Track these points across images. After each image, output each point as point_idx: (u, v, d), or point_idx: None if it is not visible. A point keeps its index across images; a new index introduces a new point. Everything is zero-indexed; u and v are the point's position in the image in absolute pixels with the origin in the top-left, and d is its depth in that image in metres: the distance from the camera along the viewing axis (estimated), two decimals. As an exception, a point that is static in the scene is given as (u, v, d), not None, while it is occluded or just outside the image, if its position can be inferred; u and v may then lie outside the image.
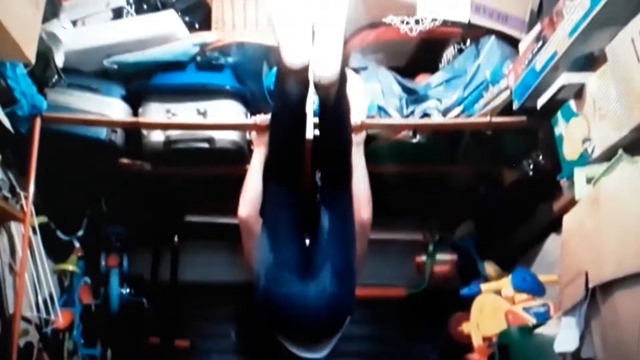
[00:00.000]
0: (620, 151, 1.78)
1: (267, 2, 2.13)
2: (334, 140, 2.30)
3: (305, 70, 2.06)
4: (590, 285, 1.70)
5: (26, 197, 2.35)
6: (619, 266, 1.57)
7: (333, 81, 2.04)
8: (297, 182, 2.34)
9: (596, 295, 1.66)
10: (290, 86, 2.14)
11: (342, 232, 2.28)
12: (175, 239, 3.44)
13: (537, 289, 2.45)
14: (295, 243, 2.26)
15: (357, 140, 2.44)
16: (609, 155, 1.87)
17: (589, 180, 1.92)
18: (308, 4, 2.07)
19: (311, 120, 2.37)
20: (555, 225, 2.24)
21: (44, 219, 2.64)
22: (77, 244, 2.97)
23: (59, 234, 2.87)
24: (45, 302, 2.54)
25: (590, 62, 2.00)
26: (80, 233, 2.97)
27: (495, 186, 2.84)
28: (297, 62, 2.04)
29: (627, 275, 1.54)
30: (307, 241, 2.32)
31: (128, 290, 3.20)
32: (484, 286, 2.66)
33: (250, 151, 2.50)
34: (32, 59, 1.92)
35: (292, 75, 2.08)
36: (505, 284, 2.54)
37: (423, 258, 3.26)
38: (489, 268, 2.98)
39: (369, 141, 2.53)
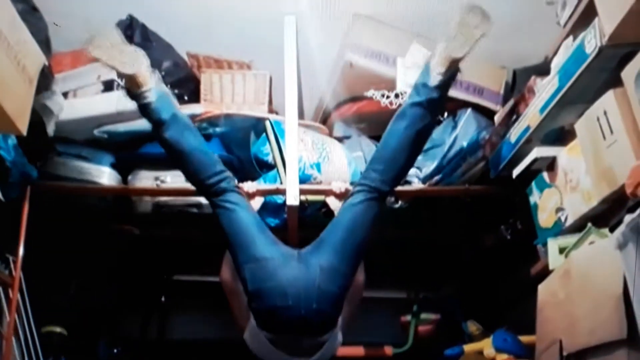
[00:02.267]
0: (589, 224, 1.86)
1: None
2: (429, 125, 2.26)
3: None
4: (565, 353, 1.77)
5: (15, 262, 2.38)
6: (591, 335, 1.64)
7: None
8: (225, 176, 2.31)
9: (570, 363, 1.72)
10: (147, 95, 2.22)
11: (353, 231, 2.22)
12: (163, 298, 3.46)
13: (517, 350, 2.48)
14: (273, 243, 2.23)
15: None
16: (581, 224, 1.95)
17: (561, 251, 2.00)
18: None
19: (297, 186, 2.45)
20: (533, 287, 2.30)
21: (32, 281, 2.67)
22: (65, 306, 2.98)
23: (48, 295, 2.88)
24: (31, 365, 2.54)
25: (561, 136, 2.11)
26: (68, 294, 2.99)
27: (475, 249, 2.91)
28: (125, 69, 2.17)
29: (598, 344, 1.61)
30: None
31: (116, 350, 3.21)
32: (466, 347, 2.69)
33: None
34: (24, 132, 1.97)
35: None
36: (487, 344, 2.58)
37: (408, 317, 3.29)
38: (472, 327, 3.02)
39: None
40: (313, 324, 2.15)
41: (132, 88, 2.23)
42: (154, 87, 2.24)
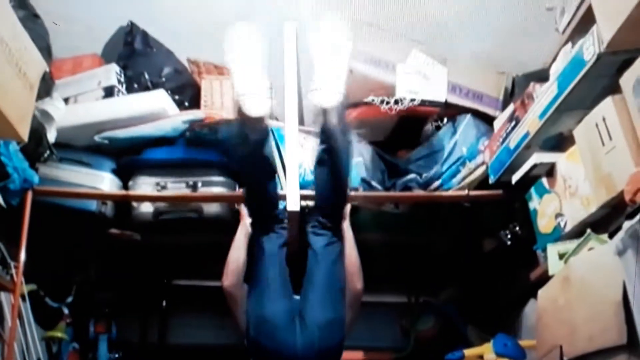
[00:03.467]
0: (588, 231, 1.87)
1: (225, 52, 2.25)
2: (337, 166, 2.37)
3: (262, 119, 2.25)
4: (565, 359, 1.76)
5: (17, 268, 2.38)
6: (591, 341, 1.64)
7: (335, 105, 2.23)
8: (278, 225, 2.43)
9: (570, 369, 1.72)
10: (252, 133, 2.27)
11: (332, 283, 2.33)
12: (164, 303, 3.46)
13: (518, 354, 2.48)
14: (284, 297, 2.30)
15: (344, 212, 2.51)
16: (580, 230, 1.96)
17: (561, 257, 2.01)
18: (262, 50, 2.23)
19: (298, 191, 2.46)
20: (533, 292, 2.30)
21: (33, 286, 2.68)
22: (65, 311, 2.99)
23: (48, 301, 2.89)
24: (33, 369, 2.55)
25: (560, 142, 2.11)
26: (69, 300, 2.99)
27: (475, 254, 2.91)
28: (256, 112, 2.21)
29: (598, 350, 1.61)
30: (296, 296, 2.36)
31: (117, 355, 3.21)
32: (467, 351, 2.69)
33: (237, 220, 2.56)
34: (25, 138, 1.97)
35: (253, 122, 2.24)
36: (487, 349, 2.58)
37: (408, 322, 3.30)
38: (472, 332, 3.03)
39: (354, 212, 2.59)
40: None
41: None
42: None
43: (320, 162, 2.40)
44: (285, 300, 2.30)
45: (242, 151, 2.34)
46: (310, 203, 2.59)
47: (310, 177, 2.59)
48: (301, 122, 2.75)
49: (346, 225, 2.50)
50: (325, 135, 2.34)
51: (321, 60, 2.22)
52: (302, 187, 2.50)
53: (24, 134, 1.96)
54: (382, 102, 2.57)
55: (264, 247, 2.36)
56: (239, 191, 2.57)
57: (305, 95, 2.44)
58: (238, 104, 2.23)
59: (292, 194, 2.46)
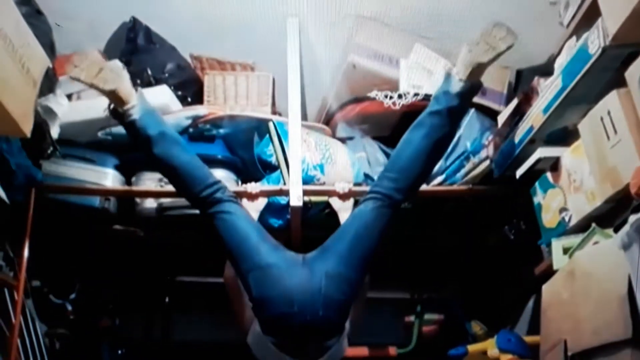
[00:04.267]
0: (593, 225, 1.86)
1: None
2: (448, 131, 2.25)
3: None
4: (569, 353, 1.76)
5: (20, 264, 2.39)
6: (596, 336, 1.64)
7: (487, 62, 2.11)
8: (219, 186, 2.31)
9: (575, 363, 1.72)
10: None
11: (360, 242, 2.20)
12: (167, 299, 3.47)
13: (521, 350, 2.49)
14: (276, 248, 2.22)
15: (346, 208, 2.51)
16: (585, 224, 1.96)
17: (565, 251, 2.00)
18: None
19: (300, 187, 2.46)
20: (537, 287, 2.30)
21: (36, 283, 2.69)
22: (69, 307, 3.00)
23: (52, 297, 2.90)
24: (36, 366, 2.55)
25: (565, 136, 2.10)
26: (72, 296, 3.00)
27: (479, 249, 2.91)
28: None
29: (603, 344, 1.61)
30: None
31: (120, 351, 3.22)
32: (470, 347, 2.70)
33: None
34: (28, 134, 1.97)
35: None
36: (491, 344, 2.58)
37: (412, 318, 3.30)
38: (476, 327, 3.03)
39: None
40: (319, 330, 2.16)
41: (116, 105, 2.22)
42: (137, 103, 2.22)
43: (421, 124, 2.22)
44: (278, 251, 2.22)
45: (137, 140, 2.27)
46: (314, 198, 2.59)
47: (312, 172, 2.59)
48: (304, 117, 2.76)
49: None
50: (455, 100, 2.16)
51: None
52: (304, 182, 2.50)
53: (27, 130, 1.96)
54: (385, 97, 2.56)
55: (227, 217, 2.24)
56: (242, 186, 2.57)
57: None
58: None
59: (295, 189, 2.47)
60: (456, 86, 2.15)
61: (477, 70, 2.14)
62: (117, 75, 2.19)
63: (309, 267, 2.17)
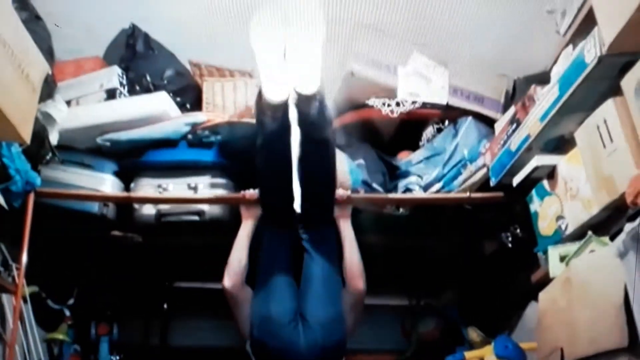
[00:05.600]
0: (589, 233, 1.87)
1: (250, 38, 2.23)
2: (316, 165, 2.39)
3: (284, 106, 2.23)
4: (566, 361, 1.77)
5: (18, 270, 2.39)
6: (592, 344, 1.65)
7: (313, 92, 2.20)
8: (291, 222, 2.46)
9: (571, 371, 1.73)
10: (271, 121, 2.27)
11: (328, 278, 2.37)
12: (165, 305, 3.46)
13: (518, 357, 2.48)
14: (289, 297, 2.33)
15: (344, 214, 2.52)
16: (581, 232, 1.96)
17: (562, 259, 2.01)
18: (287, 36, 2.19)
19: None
20: (534, 294, 2.31)
21: (34, 288, 2.68)
22: (67, 313, 3.00)
23: (50, 303, 2.90)
24: (34, 371, 2.55)
25: (561, 144, 2.11)
26: (70, 302, 3.00)
27: (476, 256, 2.92)
28: (276, 98, 2.21)
29: (599, 353, 1.62)
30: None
31: (118, 357, 3.21)
32: (467, 354, 2.69)
33: (239, 222, 2.57)
34: (28, 140, 1.98)
35: (272, 110, 2.23)
36: (488, 351, 2.58)
37: (409, 324, 3.30)
38: (473, 334, 3.03)
39: (356, 214, 2.60)
40: None
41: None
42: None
43: (304, 156, 2.38)
44: (291, 301, 2.32)
45: (260, 140, 2.34)
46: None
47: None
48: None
49: (347, 226, 2.51)
50: (307, 126, 2.31)
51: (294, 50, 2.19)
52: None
53: (27, 136, 1.97)
54: (383, 104, 2.57)
55: (273, 245, 2.39)
56: (240, 193, 2.57)
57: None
58: (259, 91, 2.24)
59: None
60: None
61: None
62: None
63: (305, 321, 2.30)
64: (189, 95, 2.78)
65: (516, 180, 2.29)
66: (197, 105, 2.77)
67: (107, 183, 2.64)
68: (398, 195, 2.65)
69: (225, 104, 2.71)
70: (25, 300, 2.48)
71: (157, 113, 2.59)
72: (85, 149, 2.66)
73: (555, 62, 2.21)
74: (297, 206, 2.48)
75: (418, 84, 2.62)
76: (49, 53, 2.29)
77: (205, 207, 2.65)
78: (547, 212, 2.18)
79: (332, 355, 2.32)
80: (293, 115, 2.30)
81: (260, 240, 2.46)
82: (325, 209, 2.45)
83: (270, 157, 2.36)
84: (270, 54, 2.18)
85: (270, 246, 2.40)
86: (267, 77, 2.18)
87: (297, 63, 2.17)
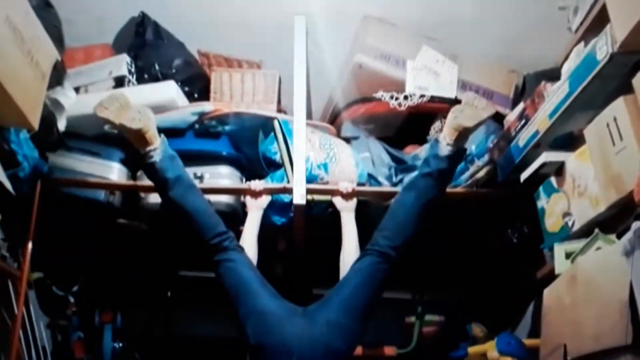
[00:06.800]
0: (596, 230, 1.86)
1: None
2: (435, 196, 2.35)
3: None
4: (569, 358, 1.77)
5: (24, 256, 2.40)
6: (596, 341, 1.65)
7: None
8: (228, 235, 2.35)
9: (574, 368, 1.73)
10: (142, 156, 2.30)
11: (361, 295, 2.25)
12: (169, 293, 3.48)
13: (521, 353, 2.49)
14: (275, 296, 2.25)
15: (349, 207, 2.52)
16: (588, 229, 1.96)
17: (567, 256, 2.00)
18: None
19: (304, 185, 2.47)
20: (539, 291, 2.31)
21: (40, 274, 2.69)
22: (71, 300, 3.01)
23: (55, 289, 2.91)
24: (38, 357, 2.56)
25: (570, 141, 2.11)
26: (75, 288, 3.01)
27: (482, 251, 2.91)
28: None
29: (603, 350, 1.62)
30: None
31: (121, 344, 3.23)
32: (471, 349, 2.70)
33: (245, 212, 2.57)
34: (36, 126, 2.00)
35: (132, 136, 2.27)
36: (491, 347, 2.58)
37: (412, 319, 3.30)
38: (476, 329, 3.03)
39: (361, 208, 2.59)
40: None
41: (139, 146, 2.28)
42: (159, 146, 2.29)
43: (413, 186, 2.36)
44: (278, 299, 2.24)
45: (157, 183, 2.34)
46: (317, 197, 2.60)
47: (316, 171, 2.60)
48: (309, 116, 2.76)
49: (350, 219, 2.50)
50: (443, 162, 2.29)
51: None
52: (308, 181, 2.51)
53: (35, 122, 1.98)
54: (391, 97, 2.57)
55: (231, 266, 2.28)
56: (246, 184, 2.58)
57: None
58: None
59: (299, 188, 2.46)
60: (444, 150, 2.28)
61: (463, 133, 2.27)
62: (144, 116, 2.25)
63: (310, 316, 2.19)
64: (197, 85, 2.78)
65: (523, 176, 2.29)
66: (204, 94, 2.77)
67: (114, 171, 2.65)
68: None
69: (233, 94, 2.71)
70: (30, 286, 2.50)
71: (165, 102, 2.59)
72: (93, 136, 2.66)
73: (565, 58, 2.20)
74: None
75: (427, 78, 2.62)
76: (58, 40, 2.29)
77: (211, 197, 2.64)
78: (554, 209, 2.17)
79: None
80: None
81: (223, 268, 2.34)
82: (400, 246, 2.32)
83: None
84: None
85: (233, 270, 2.29)
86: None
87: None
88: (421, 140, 2.80)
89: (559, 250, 2.05)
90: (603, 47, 1.75)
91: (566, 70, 2.09)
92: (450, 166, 2.32)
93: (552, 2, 2.37)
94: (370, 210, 2.64)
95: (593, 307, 1.70)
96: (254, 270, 2.32)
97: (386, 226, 2.33)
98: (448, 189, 2.57)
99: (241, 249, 2.35)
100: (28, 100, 1.90)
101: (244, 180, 2.72)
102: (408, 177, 2.62)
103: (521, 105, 2.37)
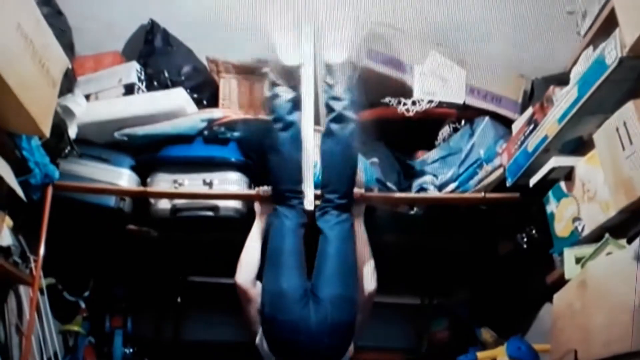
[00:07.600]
0: (606, 235, 1.86)
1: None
2: (346, 134, 2.46)
3: (295, 71, 2.41)
4: (579, 364, 1.76)
5: (36, 262, 2.41)
6: (606, 347, 1.64)
7: (342, 62, 2.38)
8: (301, 204, 2.47)
9: (585, 373, 1.72)
10: (282, 92, 2.46)
11: (343, 260, 2.38)
12: (179, 299, 3.49)
13: (532, 358, 2.48)
14: (300, 274, 2.34)
15: (358, 212, 2.52)
16: (598, 234, 1.95)
17: (577, 261, 1.99)
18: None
19: (312, 191, 2.47)
20: (549, 296, 2.30)
21: (51, 280, 2.70)
22: (82, 305, 3.02)
23: (66, 294, 2.93)
24: (50, 362, 2.58)
25: (580, 145, 2.10)
26: (86, 294, 3.03)
27: (491, 256, 2.91)
28: (290, 61, 2.39)
29: (614, 356, 1.61)
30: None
31: (131, 350, 3.24)
32: (480, 354, 2.69)
33: (252, 218, 2.58)
34: (47, 133, 2.02)
35: (285, 78, 2.43)
36: (501, 352, 2.57)
37: (421, 324, 3.30)
38: (486, 334, 3.02)
39: (369, 213, 2.60)
40: (324, 357, 2.31)
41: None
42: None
43: (328, 133, 2.47)
44: (301, 277, 2.33)
45: (272, 114, 2.46)
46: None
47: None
48: (317, 122, 2.76)
49: (360, 226, 2.51)
50: (335, 102, 2.43)
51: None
52: (317, 186, 2.52)
53: (46, 129, 2.00)
54: (399, 103, 2.57)
55: (284, 222, 2.41)
56: (255, 190, 2.59)
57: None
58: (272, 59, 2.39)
59: (308, 194, 2.49)
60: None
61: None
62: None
63: (316, 297, 2.31)
64: (206, 92, 2.79)
65: (533, 181, 2.28)
66: (213, 101, 2.79)
67: (124, 177, 2.67)
68: (412, 194, 2.66)
69: (242, 101, 2.72)
70: (42, 292, 2.51)
71: (174, 109, 2.61)
72: (103, 143, 2.68)
73: (574, 63, 2.19)
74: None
75: (435, 83, 2.62)
76: (69, 48, 2.31)
77: (219, 203, 2.67)
78: (563, 214, 2.17)
79: (340, 335, 2.31)
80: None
81: (274, 217, 2.48)
82: (345, 187, 2.46)
83: (283, 132, 2.47)
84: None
85: (283, 223, 2.42)
86: (282, 39, 2.37)
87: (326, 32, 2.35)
88: (429, 145, 2.79)
89: (569, 255, 2.04)
90: (612, 51, 1.74)
91: (575, 74, 2.08)
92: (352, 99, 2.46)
93: (560, 6, 2.36)
94: (378, 215, 2.66)
95: (603, 312, 1.69)
96: (297, 239, 2.41)
97: (329, 181, 2.47)
98: (457, 194, 2.58)
99: (304, 213, 2.48)
100: (39, 108, 1.91)
101: (252, 186, 2.72)
102: (416, 183, 2.63)
103: (530, 110, 2.37)
